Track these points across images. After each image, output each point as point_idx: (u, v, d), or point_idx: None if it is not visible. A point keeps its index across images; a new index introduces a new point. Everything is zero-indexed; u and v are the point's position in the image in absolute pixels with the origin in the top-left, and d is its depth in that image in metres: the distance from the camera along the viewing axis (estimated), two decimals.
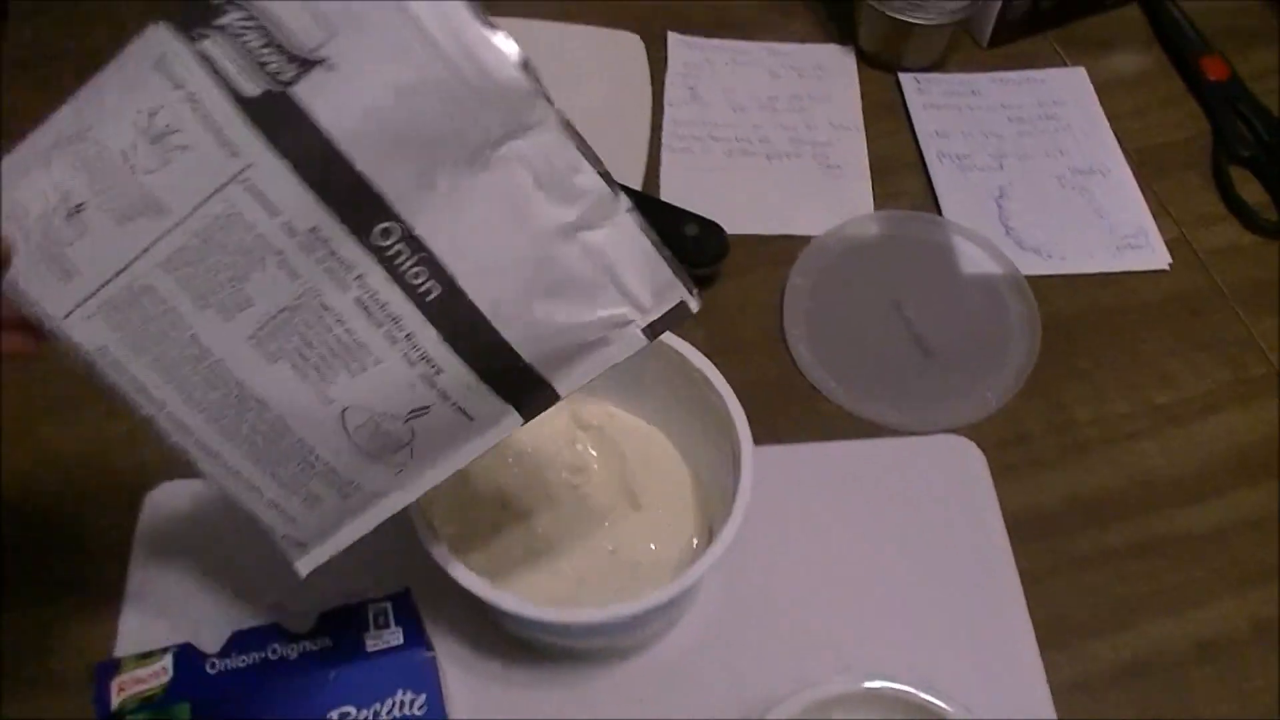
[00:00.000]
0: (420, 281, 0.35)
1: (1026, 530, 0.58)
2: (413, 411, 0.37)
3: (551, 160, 0.35)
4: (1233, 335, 0.67)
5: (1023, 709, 0.52)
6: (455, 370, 0.37)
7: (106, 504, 0.56)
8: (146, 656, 0.48)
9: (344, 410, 0.36)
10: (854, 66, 0.78)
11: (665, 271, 0.38)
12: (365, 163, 0.34)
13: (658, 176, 0.70)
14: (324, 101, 0.33)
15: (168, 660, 0.48)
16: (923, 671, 0.49)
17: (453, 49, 0.33)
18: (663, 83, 0.75)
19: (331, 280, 0.35)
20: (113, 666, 0.48)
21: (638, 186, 0.68)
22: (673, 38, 0.78)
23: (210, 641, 0.48)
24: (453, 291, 0.35)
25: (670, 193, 0.69)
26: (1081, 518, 0.59)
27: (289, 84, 0.33)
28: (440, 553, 0.44)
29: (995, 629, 0.54)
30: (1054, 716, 0.52)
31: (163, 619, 0.52)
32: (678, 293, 0.38)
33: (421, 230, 0.35)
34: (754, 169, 0.71)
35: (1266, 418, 0.64)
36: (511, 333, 0.36)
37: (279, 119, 0.33)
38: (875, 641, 0.53)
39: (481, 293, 0.36)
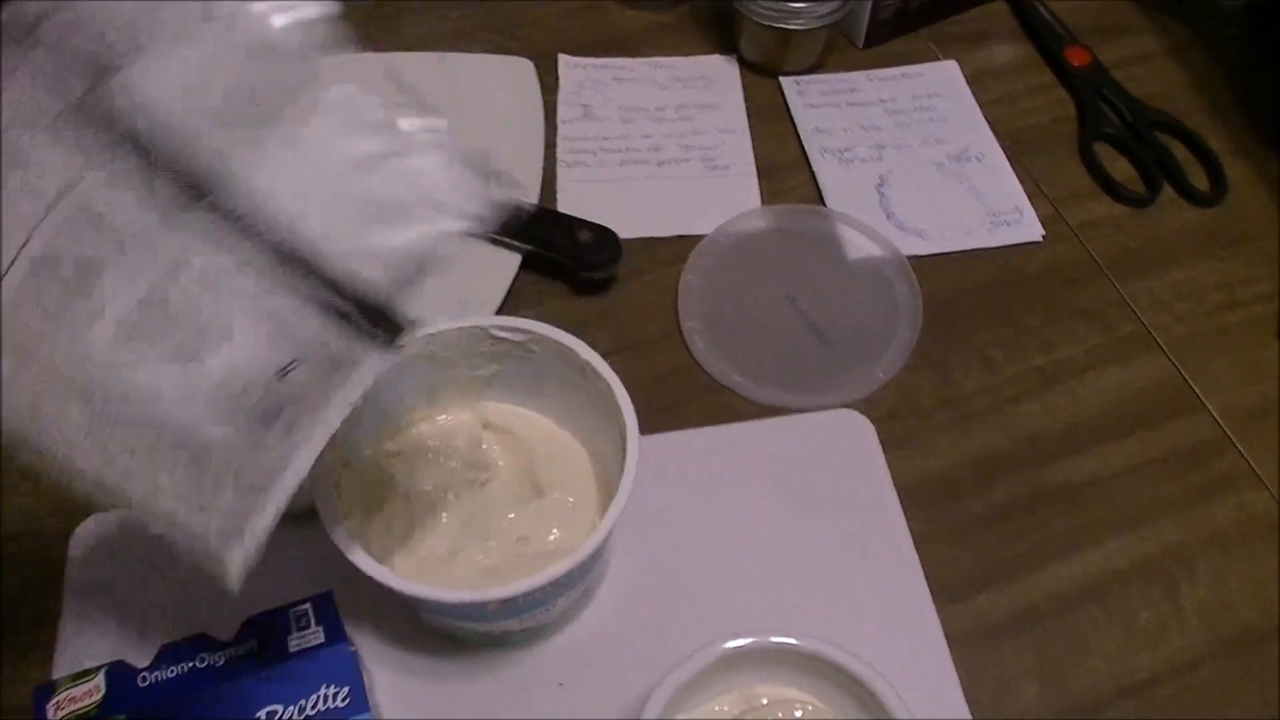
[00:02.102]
0: (256, 241, 0.37)
1: (918, 494, 0.61)
2: (280, 370, 0.38)
3: (353, 104, 0.39)
4: (1106, 299, 0.71)
5: (921, 660, 0.55)
6: (307, 319, 0.38)
7: (37, 540, 0.58)
8: (81, 676, 0.50)
9: (216, 388, 0.38)
10: (737, 74, 0.82)
11: (474, 180, 0.41)
12: (185, 139, 0.36)
13: (554, 190, 0.73)
14: (141, 90, 0.35)
15: (100, 678, 0.50)
16: (824, 631, 0.51)
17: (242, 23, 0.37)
18: (555, 103, 0.79)
19: (174, 265, 0.37)
20: (49, 689, 0.49)
21: (534, 200, 0.71)
22: (563, 59, 0.82)
23: (141, 657, 0.50)
24: (289, 241, 0.38)
25: (567, 204, 0.72)
26: (970, 479, 0.62)
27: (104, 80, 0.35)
28: (341, 536, 0.47)
29: (891, 588, 0.57)
30: (950, 665, 0.55)
31: (96, 641, 0.54)
32: (490, 193, 0.41)
33: (251, 188, 0.37)
34: (646, 176, 0.74)
35: (1139, 372, 0.67)
36: (351, 264, 0.39)
37: (103, 116, 0.35)
38: (779, 606, 0.56)
39: (315, 233, 0.38)
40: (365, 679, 0.52)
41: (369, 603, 0.55)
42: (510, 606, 0.48)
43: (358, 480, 0.53)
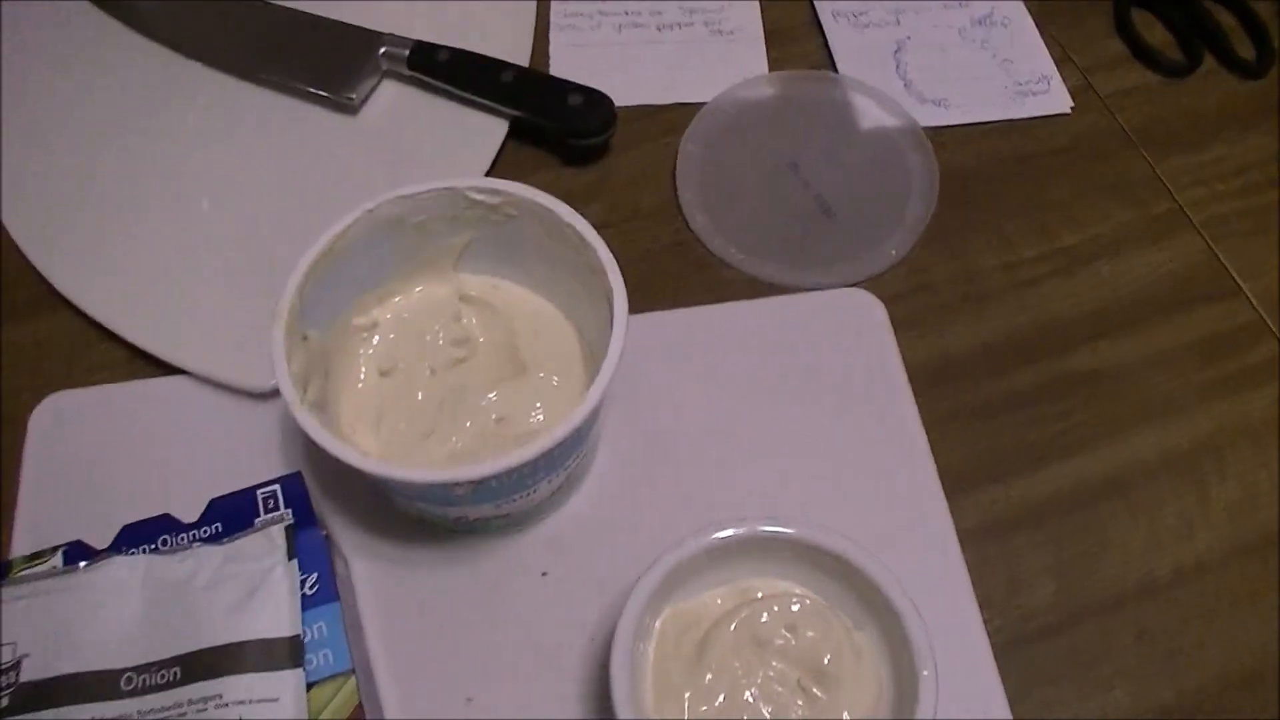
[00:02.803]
0: None
1: (930, 379, 0.57)
2: None
3: None
4: (1138, 175, 0.66)
5: (929, 554, 0.52)
6: None
7: None
8: (35, 556, 0.47)
9: None
10: None
11: None
12: None
13: (546, 56, 0.68)
14: None
15: (57, 559, 0.47)
16: (825, 521, 0.47)
17: None
18: None
19: None
20: (3, 569, 0.46)
21: (525, 63, 0.66)
22: None
23: (101, 538, 0.47)
24: None
25: (560, 70, 0.67)
26: (987, 364, 0.58)
27: None
28: (302, 413, 0.43)
29: (899, 477, 0.53)
30: (960, 559, 0.51)
31: (54, 523, 0.51)
32: None
33: None
34: (645, 41, 0.69)
35: (1172, 254, 0.63)
36: None
37: None
38: (778, 495, 0.53)
39: None
40: (340, 567, 0.49)
41: (343, 488, 0.52)
42: (483, 490, 0.44)
43: (326, 355, 0.49)
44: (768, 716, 0.43)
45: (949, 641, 0.49)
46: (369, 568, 0.50)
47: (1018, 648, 0.50)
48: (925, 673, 0.42)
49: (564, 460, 0.47)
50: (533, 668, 0.48)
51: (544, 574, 0.50)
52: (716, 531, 0.45)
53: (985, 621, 0.50)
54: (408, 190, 0.49)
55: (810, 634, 0.44)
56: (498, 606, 0.50)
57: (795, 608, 0.45)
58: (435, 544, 0.51)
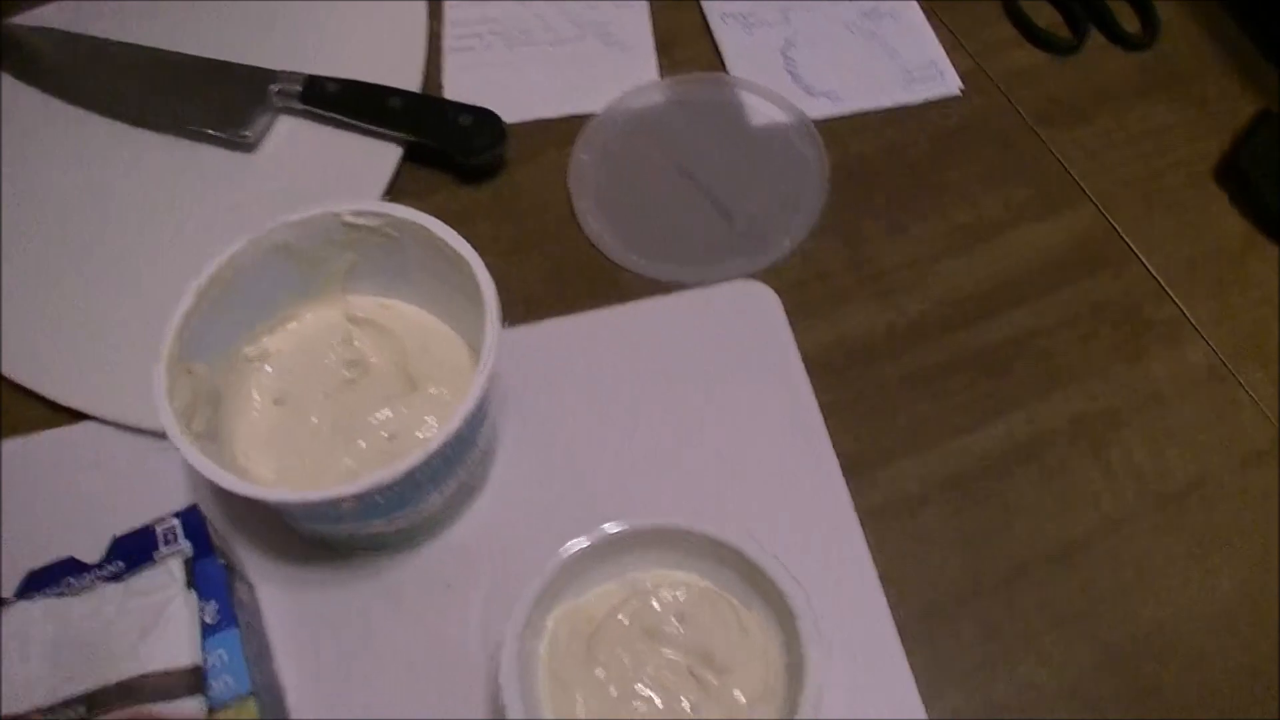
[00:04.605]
0: None
1: (828, 365, 0.57)
2: None
3: None
4: (1030, 152, 0.67)
5: (831, 537, 0.52)
6: None
7: None
8: None
9: None
10: None
11: None
12: None
13: (440, 79, 0.69)
14: None
15: None
16: (725, 510, 0.48)
17: None
18: None
19: None
20: None
21: (416, 89, 0.67)
22: None
23: (8, 586, 0.47)
24: None
25: (454, 92, 0.68)
26: (886, 346, 0.59)
27: None
28: (183, 443, 0.43)
29: (798, 463, 0.54)
30: (862, 540, 0.52)
31: None
32: None
33: None
34: (538, 57, 0.70)
35: (1068, 227, 0.64)
36: None
37: None
38: (680, 489, 0.53)
39: None
40: (244, 593, 0.49)
41: (246, 516, 0.53)
42: (369, 506, 0.45)
43: (217, 387, 0.49)
44: (660, 707, 0.43)
45: (852, 620, 0.49)
46: (275, 591, 0.51)
47: (925, 622, 0.50)
48: (812, 648, 0.42)
49: (449, 471, 0.47)
50: (441, 679, 0.48)
51: (448, 586, 0.51)
52: (602, 529, 0.45)
53: (890, 598, 0.50)
54: (287, 218, 0.50)
55: (699, 620, 0.45)
56: (403, 620, 0.50)
57: (683, 596, 0.46)
58: (338, 563, 0.51)
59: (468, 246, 0.48)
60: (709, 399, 0.56)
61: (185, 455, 0.44)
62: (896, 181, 0.65)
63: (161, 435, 0.44)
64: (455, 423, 0.44)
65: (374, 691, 0.48)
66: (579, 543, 0.45)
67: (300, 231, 0.50)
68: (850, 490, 0.53)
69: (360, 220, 0.50)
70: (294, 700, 0.48)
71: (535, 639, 0.45)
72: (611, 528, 0.45)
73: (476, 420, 0.46)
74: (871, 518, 0.53)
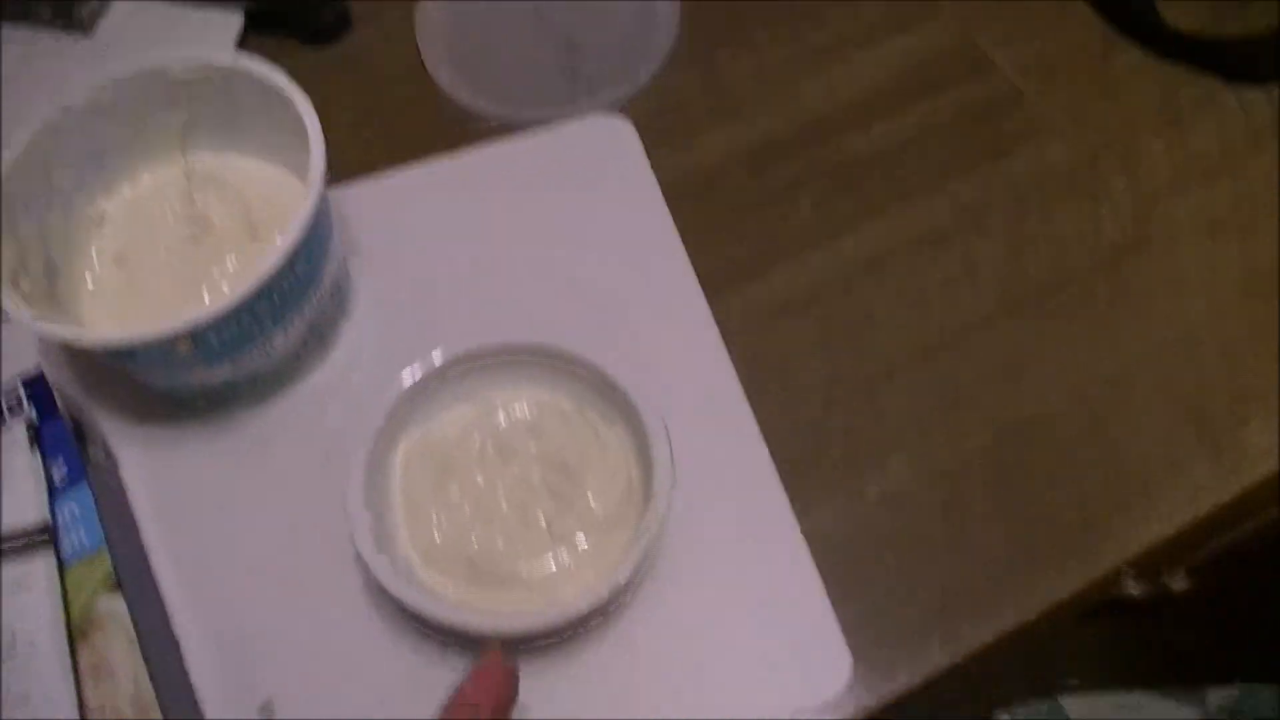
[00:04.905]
0: None
1: (686, 190, 0.57)
2: None
3: None
4: None
5: (694, 356, 0.52)
6: None
7: None
8: None
9: None
10: None
11: None
12: None
13: None
14: None
15: None
16: (588, 338, 0.47)
17: None
18: None
19: None
20: None
21: None
22: None
23: None
24: None
25: None
26: (744, 168, 0.58)
27: None
28: (11, 300, 0.43)
29: (659, 286, 0.54)
30: (724, 353, 0.52)
31: None
32: None
33: None
34: None
35: (922, 38, 0.63)
36: None
37: None
38: (542, 322, 0.52)
39: None
40: (100, 458, 0.49)
41: (101, 384, 0.52)
42: (206, 346, 0.44)
43: (50, 251, 0.48)
44: (516, 521, 0.43)
45: (717, 436, 0.49)
46: (136, 455, 0.50)
47: (793, 428, 0.51)
48: (659, 451, 0.42)
49: (290, 309, 0.46)
50: (306, 525, 0.48)
51: (308, 434, 0.50)
52: (443, 350, 0.45)
53: (757, 409, 0.50)
54: (107, 78, 0.49)
55: (552, 435, 0.45)
56: (266, 471, 0.50)
57: (536, 413, 0.45)
58: (197, 422, 0.51)
59: (286, 79, 0.47)
60: (568, 232, 0.55)
61: (9, 311, 0.43)
62: (750, 6, 0.64)
63: None
64: (283, 251, 0.43)
65: (239, 544, 0.48)
66: (419, 368, 0.44)
67: (123, 91, 0.49)
68: (712, 308, 0.53)
69: (185, 75, 0.49)
70: (159, 560, 0.48)
71: (387, 469, 0.44)
72: (451, 349, 0.45)
73: (311, 252, 0.45)
74: (734, 334, 0.53)
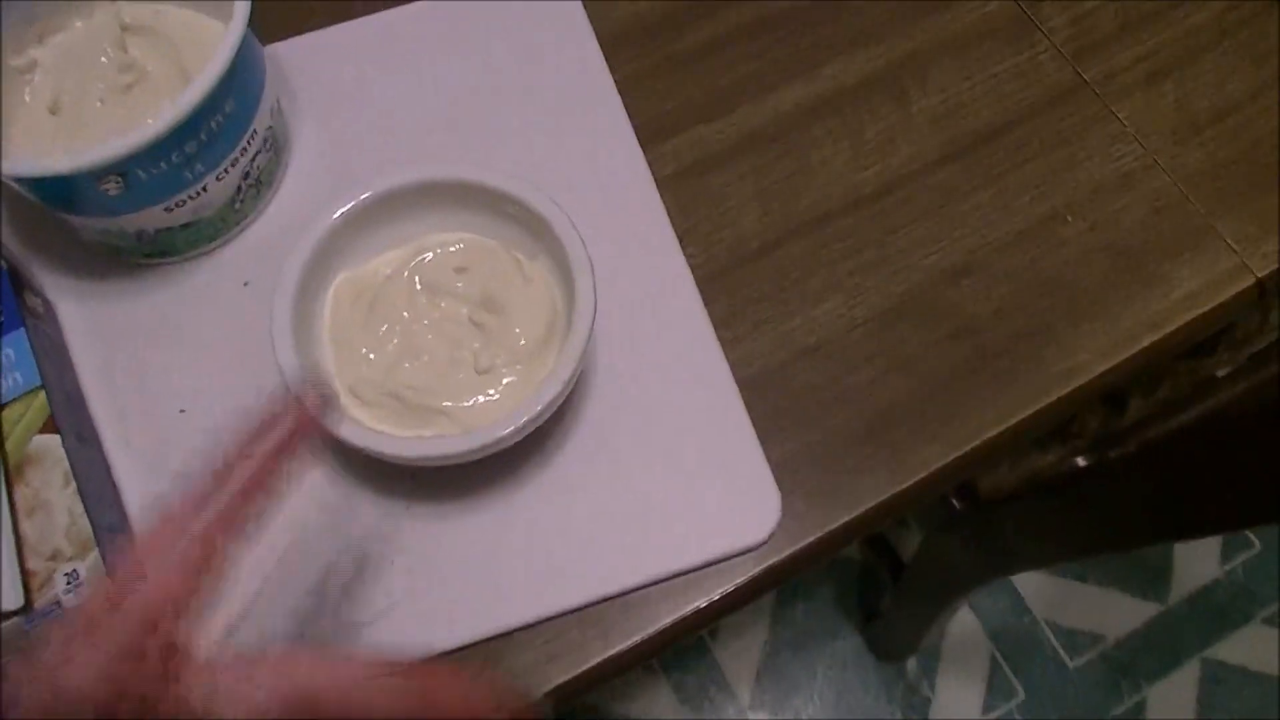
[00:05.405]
0: None
1: (623, 39, 0.57)
2: None
3: None
4: None
5: (629, 204, 0.52)
6: None
7: None
8: None
9: None
10: None
11: None
12: None
13: None
14: None
15: None
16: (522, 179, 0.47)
17: None
18: None
19: None
20: None
21: None
22: None
23: None
24: None
25: None
26: (681, 17, 0.58)
27: None
28: None
29: (594, 136, 0.54)
30: (659, 204, 0.52)
31: None
32: None
33: None
34: None
35: None
36: None
37: None
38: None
39: None
40: (38, 306, 0.49)
41: (39, 236, 0.52)
42: (137, 185, 0.44)
43: None
44: (443, 356, 0.44)
45: (651, 280, 0.50)
46: (73, 307, 0.50)
47: (726, 274, 0.51)
48: (582, 281, 0.43)
49: (219, 150, 0.46)
50: (242, 374, 0.48)
51: (246, 284, 0.51)
52: (374, 181, 0.45)
53: (690, 255, 0.51)
54: None
55: (479, 271, 0.45)
56: (203, 320, 0.50)
57: (461, 248, 0.46)
58: (136, 274, 0.51)
59: None
60: (505, 82, 0.55)
61: None
62: None
63: None
64: (206, 82, 0.43)
65: (176, 391, 0.49)
66: (346, 200, 0.44)
67: None
68: (648, 158, 0.53)
69: None
70: (96, 405, 0.48)
71: (317, 308, 0.45)
72: (381, 183, 0.45)
73: (239, 94, 0.45)
74: (669, 181, 0.53)
